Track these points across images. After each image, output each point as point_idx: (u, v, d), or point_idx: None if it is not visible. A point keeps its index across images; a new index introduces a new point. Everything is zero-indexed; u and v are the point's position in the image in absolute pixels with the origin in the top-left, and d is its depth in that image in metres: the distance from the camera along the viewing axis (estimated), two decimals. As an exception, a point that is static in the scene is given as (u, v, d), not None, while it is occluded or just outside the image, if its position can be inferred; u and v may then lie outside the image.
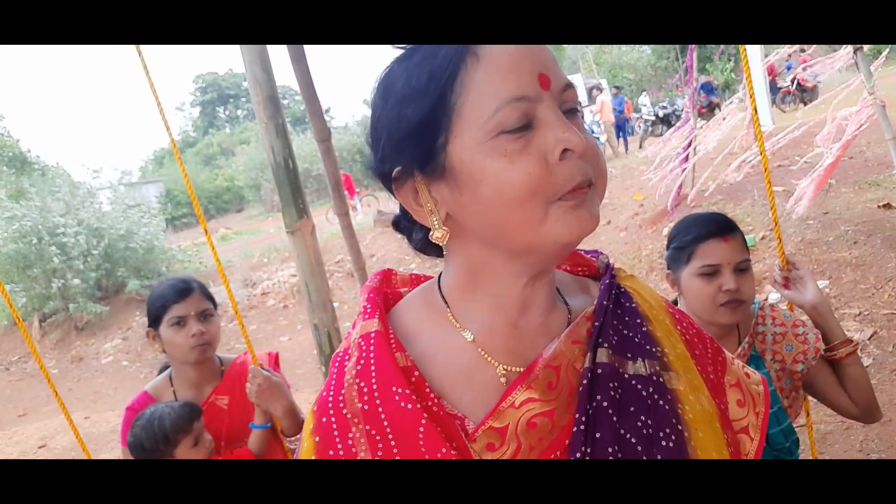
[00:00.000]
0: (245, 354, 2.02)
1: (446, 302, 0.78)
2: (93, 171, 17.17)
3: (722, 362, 0.86)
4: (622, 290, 0.83)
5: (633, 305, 0.81)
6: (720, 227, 1.58)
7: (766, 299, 4.84)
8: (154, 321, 1.90)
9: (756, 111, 1.79)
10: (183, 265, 12.76)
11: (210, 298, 1.95)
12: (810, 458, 1.91)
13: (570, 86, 0.69)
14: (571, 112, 0.69)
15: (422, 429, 0.68)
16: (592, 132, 14.74)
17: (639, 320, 0.79)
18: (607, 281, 0.82)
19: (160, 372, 2.06)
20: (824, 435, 3.29)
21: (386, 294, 0.84)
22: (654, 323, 0.80)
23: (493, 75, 0.65)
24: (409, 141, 0.69)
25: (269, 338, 9.00)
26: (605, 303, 0.79)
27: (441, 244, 0.74)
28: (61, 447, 6.36)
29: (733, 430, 0.82)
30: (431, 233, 0.73)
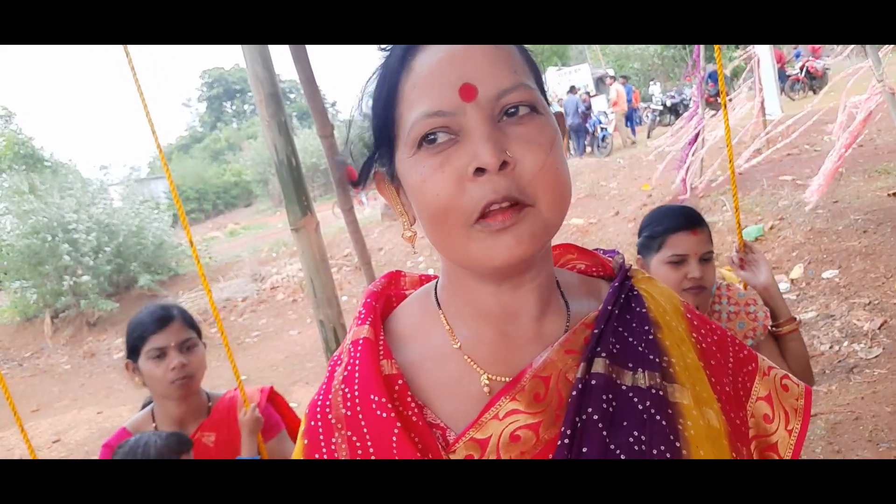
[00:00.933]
0: (235, 390, 1.90)
1: (440, 304, 0.77)
2: (101, 167, 17.26)
3: (751, 372, 0.80)
4: (634, 293, 0.79)
5: (644, 311, 0.76)
6: (689, 220, 1.73)
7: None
8: (132, 352, 1.77)
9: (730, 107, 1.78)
10: (192, 260, 12.83)
11: (193, 327, 1.81)
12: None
13: (513, 88, 0.64)
14: (518, 114, 0.65)
15: (394, 438, 0.67)
16: (599, 122, 14.68)
17: (647, 327, 0.75)
18: (617, 284, 0.79)
19: (143, 406, 1.92)
20: (833, 425, 3.28)
21: (389, 296, 0.83)
22: (665, 330, 0.75)
23: (415, 89, 0.65)
24: (376, 147, 0.72)
25: (279, 332, 9.04)
26: (609, 308, 0.75)
27: (411, 245, 0.75)
28: (75, 442, 6.43)
29: (751, 448, 0.77)
30: (403, 231, 0.75)
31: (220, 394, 1.91)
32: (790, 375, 0.84)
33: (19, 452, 6.44)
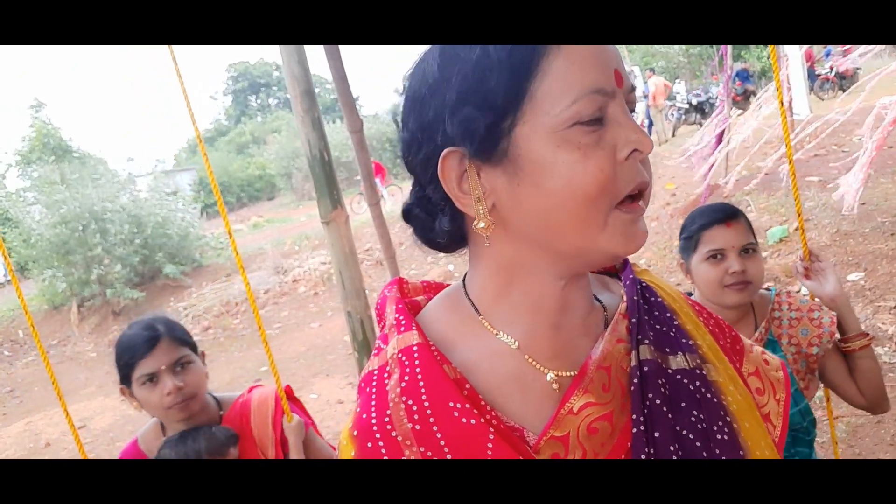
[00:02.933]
0: (250, 392, 1.80)
1: (476, 308, 0.73)
2: (128, 159, 17.52)
3: (740, 350, 0.84)
4: (644, 284, 0.80)
5: (660, 300, 0.79)
6: (723, 213, 1.67)
7: (798, 290, 4.77)
8: (124, 379, 1.63)
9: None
10: (216, 252, 12.99)
11: (185, 342, 1.66)
12: (832, 450, 1.91)
13: (634, 88, 0.67)
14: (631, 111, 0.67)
15: (490, 444, 0.64)
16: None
17: (668, 314, 0.77)
18: (631, 276, 0.80)
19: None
20: (855, 428, 3.26)
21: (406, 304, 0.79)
22: (682, 316, 0.78)
23: (574, 64, 0.62)
24: (472, 116, 0.63)
25: (300, 324, 9.13)
26: (635, 298, 0.76)
27: (485, 235, 0.68)
28: (100, 428, 6.56)
29: (764, 416, 0.80)
30: (475, 223, 0.67)
31: (233, 398, 1.79)
32: (765, 351, 0.88)
33: (46, 437, 6.58)
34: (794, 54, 9.90)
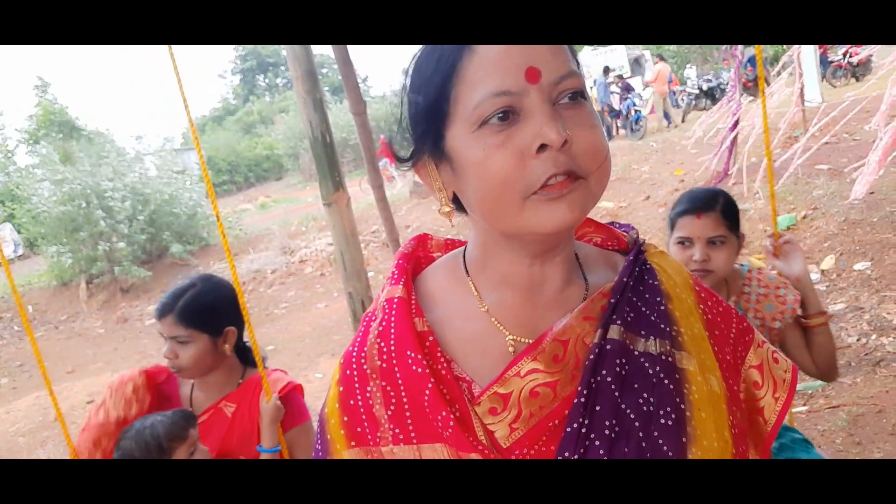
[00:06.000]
0: (270, 374, 1.90)
1: (468, 271, 0.83)
2: (136, 137, 17.55)
3: (747, 342, 0.86)
4: (648, 266, 0.84)
5: (656, 283, 0.82)
6: (697, 204, 1.78)
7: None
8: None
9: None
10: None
11: (193, 324, 1.77)
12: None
13: (569, 75, 0.69)
14: (572, 99, 0.70)
15: (427, 391, 0.74)
16: (633, 104, 14.46)
17: (658, 298, 0.80)
18: (632, 257, 0.84)
19: None
20: (855, 417, 3.26)
21: (419, 258, 0.90)
22: (675, 301, 0.81)
23: (480, 69, 0.68)
24: (420, 125, 0.74)
25: (307, 304, 9.19)
26: (625, 279, 0.80)
27: (448, 220, 0.79)
28: (108, 403, 6.62)
29: (744, 410, 0.82)
30: (440, 208, 0.78)
31: (254, 372, 1.91)
32: (778, 352, 0.90)
33: (55, 413, 6.67)
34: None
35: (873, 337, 4.13)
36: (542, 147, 0.67)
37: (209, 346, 1.79)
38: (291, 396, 1.87)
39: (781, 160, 6.87)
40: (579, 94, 0.70)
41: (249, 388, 1.86)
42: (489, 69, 0.68)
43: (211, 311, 1.81)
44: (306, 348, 7.09)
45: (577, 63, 0.74)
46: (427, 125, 0.73)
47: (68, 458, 1.81)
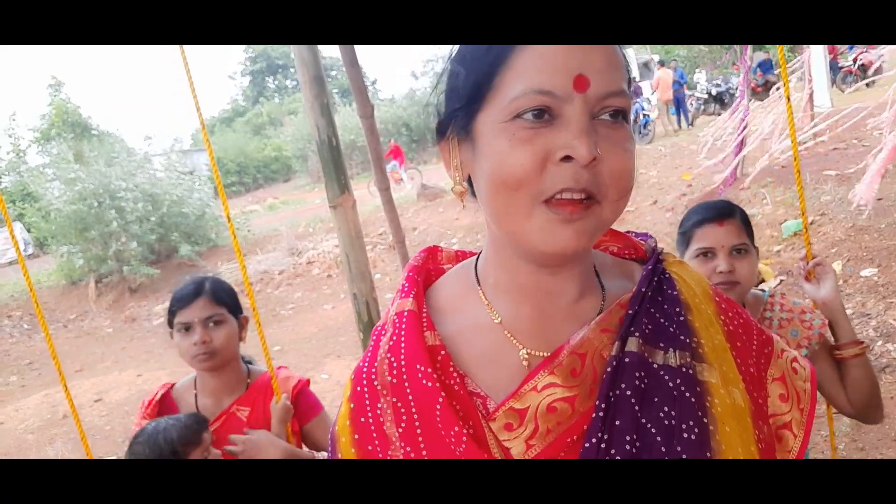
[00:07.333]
0: (278, 372, 1.92)
1: (479, 281, 0.81)
2: (146, 137, 17.65)
3: (768, 354, 0.83)
4: (666, 276, 0.81)
5: (675, 293, 0.79)
6: (717, 212, 1.67)
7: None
8: (170, 323, 1.84)
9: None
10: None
11: (224, 302, 1.83)
12: (829, 448, 1.91)
13: (617, 93, 0.67)
14: (613, 117, 0.68)
15: (438, 406, 0.72)
16: (642, 108, 14.47)
17: (678, 309, 0.78)
18: (650, 267, 0.81)
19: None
20: (859, 423, 3.25)
21: (429, 270, 0.88)
22: (695, 312, 0.78)
23: (530, 63, 0.66)
24: (455, 100, 0.73)
25: (313, 305, 9.22)
26: (643, 290, 0.78)
27: (459, 200, 0.77)
28: (115, 401, 6.69)
29: (771, 426, 0.79)
30: (453, 186, 0.77)
31: (263, 371, 1.93)
32: (798, 358, 0.86)
33: (64, 409, 6.72)
34: (815, 46, 9.75)
35: (879, 343, 4.12)
36: (568, 157, 0.65)
37: (236, 329, 1.85)
38: (303, 392, 1.92)
39: (785, 162, 6.86)
40: (621, 114, 0.69)
41: (261, 390, 1.87)
42: (539, 64, 0.66)
43: (233, 294, 1.88)
44: (312, 350, 7.12)
45: (630, 83, 0.72)
46: (462, 102, 0.72)
47: (77, 455, 1.83)
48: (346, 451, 0.78)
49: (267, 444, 1.73)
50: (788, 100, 1.80)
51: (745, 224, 1.69)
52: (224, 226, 13.12)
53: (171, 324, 1.83)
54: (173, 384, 1.93)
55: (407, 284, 0.83)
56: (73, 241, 11.53)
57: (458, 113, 0.73)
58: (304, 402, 1.90)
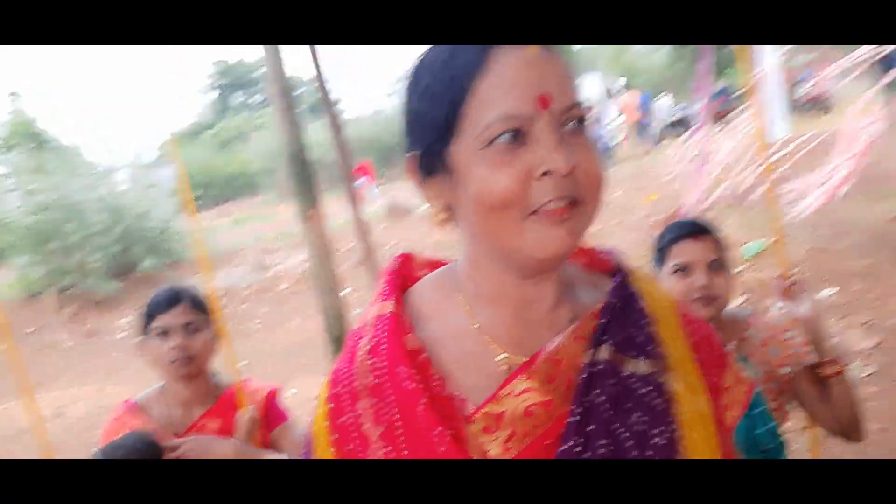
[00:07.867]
0: (244, 382, 1.91)
1: (459, 287, 0.83)
2: (109, 150, 17.32)
3: (723, 365, 0.88)
4: (633, 289, 0.85)
5: (641, 306, 0.83)
6: (692, 228, 1.70)
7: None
8: (143, 329, 1.83)
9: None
10: (196, 245, 12.85)
11: (202, 310, 1.84)
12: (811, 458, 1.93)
13: (577, 104, 0.72)
14: (577, 125, 0.72)
15: (420, 408, 0.74)
16: (601, 136, 14.71)
17: (645, 320, 0.81)
18: (619, 280, 0.84)
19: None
20: (822, 439, 3.32)
21: (405, 276, 0.89)
22: (661, 324, 0.82)
23: (495, 90, 0.69)
24: (424, 133, 0.75)
25: (281, 321, 9.10)
26: (613, 301, 0.81)
27: (441, 228, 0.80)
28: (76, 417, 6.50)
29: (727, 431, 0.84)
30: (434, 217, 0.80)
31: (230, 383, 1.92)
32: (742, 370, 0.93)
33: (21, 424, 6.51)
34: (772, 73, 10.04)
35: (837, 361, 4.23)
36: (546, 172, 0.69)
37: (214, 337, 1.86)
38: (271, 400, 1.92)
39: (746, 188, 7.04)
40: (583, 122, 0.73)
41: (231, 401, 1.86)
42: (502, 91, 0.69)
43: (208, 302, 1.88)
44: (280, 366, 7.02)
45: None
46: (433, 137, 0.74)
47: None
48: (325, 452, 0.81)
49: (213, 444, 1.72)
50: (758, 126, 1.87)
51: (721, 241, 1.71)
52: (189, 240, 12.90)
53: (145, 330, 1.81)
54: (135, 402, 1.87)
55: (387, 288, 0.84)
56: (32, 252, 11.23)
57: (429, 147, 0.75)
58: (272, 411, 1.91)
